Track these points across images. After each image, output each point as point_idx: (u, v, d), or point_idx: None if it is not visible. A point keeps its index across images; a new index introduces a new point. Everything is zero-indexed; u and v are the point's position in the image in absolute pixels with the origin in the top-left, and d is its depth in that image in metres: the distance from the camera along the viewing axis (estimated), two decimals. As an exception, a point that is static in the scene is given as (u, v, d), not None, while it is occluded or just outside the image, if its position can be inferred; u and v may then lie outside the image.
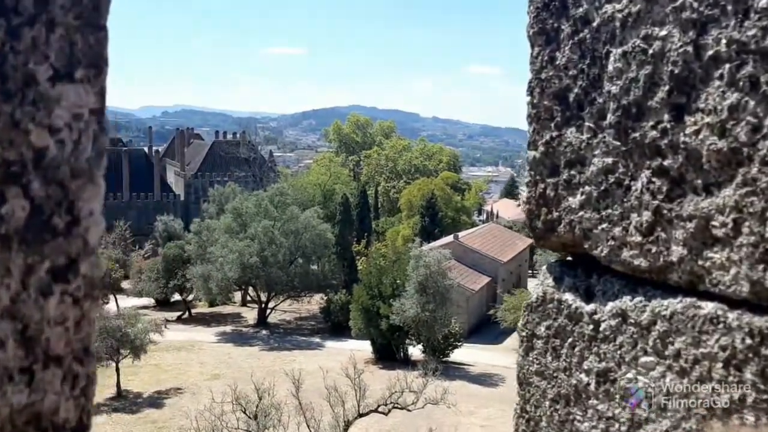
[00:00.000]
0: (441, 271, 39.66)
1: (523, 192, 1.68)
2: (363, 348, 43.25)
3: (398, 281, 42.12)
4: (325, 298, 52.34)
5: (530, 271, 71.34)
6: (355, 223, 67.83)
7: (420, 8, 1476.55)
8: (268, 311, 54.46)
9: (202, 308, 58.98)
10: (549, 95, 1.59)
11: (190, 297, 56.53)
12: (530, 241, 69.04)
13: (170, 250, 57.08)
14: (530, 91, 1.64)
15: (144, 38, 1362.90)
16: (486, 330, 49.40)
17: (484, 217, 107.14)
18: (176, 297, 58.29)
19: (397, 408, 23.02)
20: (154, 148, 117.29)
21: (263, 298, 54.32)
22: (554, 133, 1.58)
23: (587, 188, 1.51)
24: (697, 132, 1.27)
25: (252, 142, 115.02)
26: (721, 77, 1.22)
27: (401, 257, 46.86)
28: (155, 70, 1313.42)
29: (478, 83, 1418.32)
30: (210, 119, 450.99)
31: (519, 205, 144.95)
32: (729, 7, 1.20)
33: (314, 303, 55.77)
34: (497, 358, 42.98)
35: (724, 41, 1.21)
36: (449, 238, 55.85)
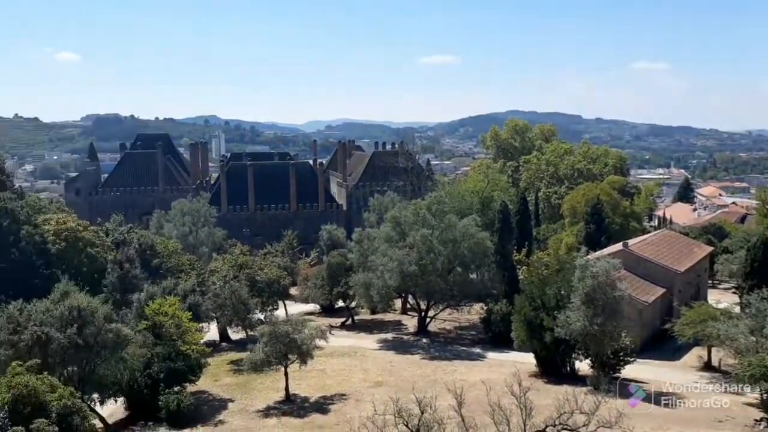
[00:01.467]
0: (610, 282, 37.21)
1: None
2: (526, 360, 41.76)
3: (563, 292, 40.25)
4: (485, 308, 51.35)
5: (710, 282, 65.62)
6: (515, 230, 65.88)
7: (577, 3, 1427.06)
8: (428, 320, 54.40)
9: (364, 315, 60.19)
10: None
11: (353, 304, 57.86)
12: (710, 249, 63.56)
13: (334, 259, 58.95)
14: None
15: (308, 57, 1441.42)
16: (661, 345, 45.86)
17: (655, 223, 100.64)
18: (340, 303, 60.07)
19: (566, 430, 21.68)
20: (318, 160, 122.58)
21: (423, 306, 54.37)
22: None
23: None
24: None
25: (410, 152, 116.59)
26: None
27: (565, 267, 44.77)
28: (319, 87, 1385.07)
29: (644, 81, 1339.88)
30: (370, 131, 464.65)
31: (695, 209, 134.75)
32: None
33: (474, 313, 54.90)
34: (675, 375, 39.68)
35: None
36: (618, 246, 52.64)
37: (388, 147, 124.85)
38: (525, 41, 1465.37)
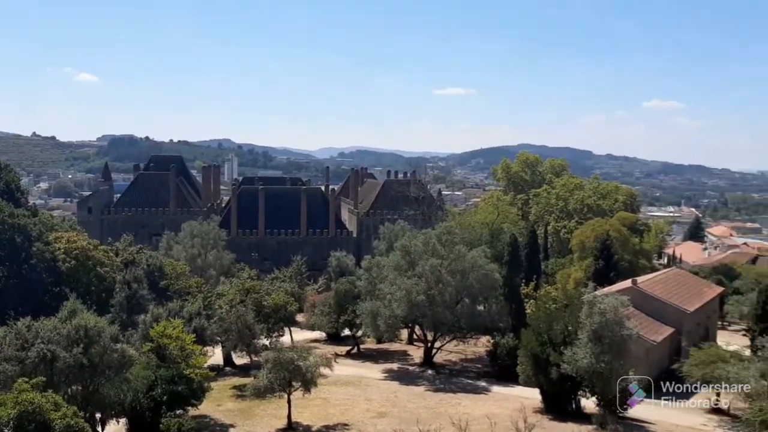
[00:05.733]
0: (618, 320, 36.94)
1: None
2: (531, 396, 41.36)
3: (570, 328, 39.93)
4: (492, 341, 50.98)
5: (720, 323, 64.97)
6: (524, 263, 65.83)
7: (591, 41, 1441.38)
8: (434, 351, 54.03)
9: (370, 344, 59.85)
10: None
11: (359, 333, 57.56)
12: (720, 289, 62.97)
13: (342, 286, 58.78)
14: None
15: (322, 84, 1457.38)
16: (669, 386, 45.22)
17: (665, 261, 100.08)
18: (346, 332, 59.74)
19: (570, 469, 21.44)
20: (330, 186, 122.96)
21: (429, 337, 54.02)
22: None
23: None
24: None
25: (422, 181, 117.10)
26: None
27: (573, 302, 44.48)
28: (333, 114, 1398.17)
29: (657, 119, 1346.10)
30: (383, 159, 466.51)
31: (705, 249, 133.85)
32: None
33: (480, 345, 54.51)
34: (682, 417, 39.16)
35: None
36: (626, 283, 52.36)
37: (401, 176, 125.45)
38: (538, 76, 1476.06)
